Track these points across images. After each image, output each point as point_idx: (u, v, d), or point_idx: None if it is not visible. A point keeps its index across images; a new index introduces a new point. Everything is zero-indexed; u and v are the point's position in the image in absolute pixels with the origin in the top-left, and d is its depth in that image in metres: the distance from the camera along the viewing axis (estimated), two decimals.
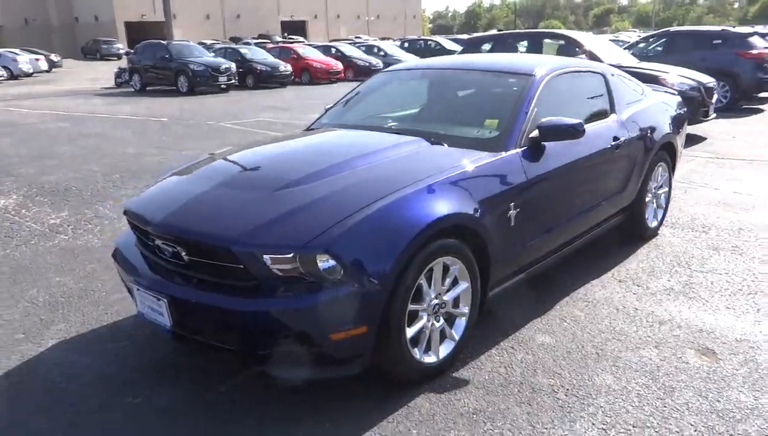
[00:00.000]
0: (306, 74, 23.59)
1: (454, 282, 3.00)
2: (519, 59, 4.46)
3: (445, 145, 3.41)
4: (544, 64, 3.95)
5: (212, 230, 2.69)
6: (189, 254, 2.73)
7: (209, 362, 3.17)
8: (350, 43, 30.97)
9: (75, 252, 4.93)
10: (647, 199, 4.74)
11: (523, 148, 3.41)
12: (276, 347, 2.60)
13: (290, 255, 2.53)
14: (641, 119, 4.54)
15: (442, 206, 2.84)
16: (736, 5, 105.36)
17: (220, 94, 19.72)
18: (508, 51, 11.25)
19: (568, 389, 2.88)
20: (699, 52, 12.85)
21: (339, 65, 24.29)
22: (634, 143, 4.37)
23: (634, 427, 2.59)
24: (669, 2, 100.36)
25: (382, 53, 27.95)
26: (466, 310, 3.09)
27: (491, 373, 3.04)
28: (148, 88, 21.18)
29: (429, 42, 32.17)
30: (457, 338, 3.06)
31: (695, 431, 2.56)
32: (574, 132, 3.42)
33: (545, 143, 3.50)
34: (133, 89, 21.49)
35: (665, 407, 2.73)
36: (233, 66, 20.53)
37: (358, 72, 25.27)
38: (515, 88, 3.72)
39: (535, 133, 3.47)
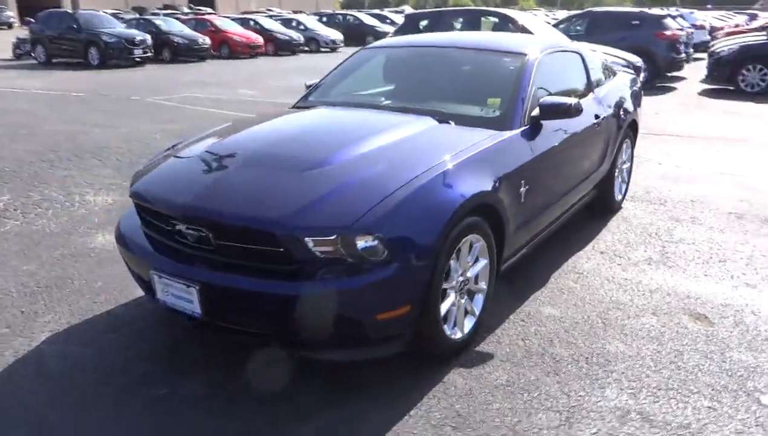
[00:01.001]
0: (225, 48, 22.77)
1: (475, 260, 3.05)
2: (507, 38, 4.54)
3: (452, 123, 3.43)
4: (534, 44, 4.04)
5: (250, 213, 2.59)
6: (219, 238, 2.61)
7: (227, 349, 3.07)
8: (267, 16, 30.11)
9: (33, 238, 4.59)
10: (615, 173, 4.97)
11: (526, 127, 3.48)
12: (320, 331, 2.56)
13: (333, 237, 2.49)
14: (613, 97, 4.75)
15: (472, 184, 2.88)
16: None
17: (135, 68, 18.70)
18: (445, 29, 11.37)
19: (587, 358, 3.02)
20: (619, 32, 13.50)
21: (260, 39, 23.61)
22: (610, 120, 4.57)
23: (659, 390, 2.76)
24: None
25: (302, 27, 27.39)
26: (484, 286, 3.15)
27: (511, 346, 3.13)
28: (54, 61, 19.75)
29: (348, 16, 31.86)
30: (477, 313, 3.12)
31: (713, 390, 2.75)
32: (573, 111, 3.53)
33: (543, 121, 3.60)
34: (36, 61, 19.99)
35: (679, 369, 2.92)
36: (149, 38, 19.51)
37: (279, 46, 24.72)
38: (512, 68, 3.79)
39: (536, 111, 3.55)
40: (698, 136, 8.51)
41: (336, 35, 27.40)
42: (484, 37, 4.56)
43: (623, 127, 4.82)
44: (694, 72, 15.41)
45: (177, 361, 3.01)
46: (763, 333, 3.24)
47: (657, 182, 6.07)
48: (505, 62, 3.88)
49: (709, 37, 22.54)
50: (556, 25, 14.41)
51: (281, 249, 2.52)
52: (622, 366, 2.95)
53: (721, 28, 25.44)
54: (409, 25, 11.26)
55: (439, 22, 11.10)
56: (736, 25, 28.01)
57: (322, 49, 27.10)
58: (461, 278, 2.95)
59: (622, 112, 4.83)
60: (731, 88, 12.80)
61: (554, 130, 3.69)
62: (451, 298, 2.90)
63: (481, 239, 2.99)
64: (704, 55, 15.31)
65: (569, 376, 2.87)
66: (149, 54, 19.43)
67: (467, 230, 2.85)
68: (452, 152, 3.00)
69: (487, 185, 2.98)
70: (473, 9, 12.04)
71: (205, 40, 21.50)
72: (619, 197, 5.19)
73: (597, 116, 4.31)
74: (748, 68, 12.62)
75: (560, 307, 3.54)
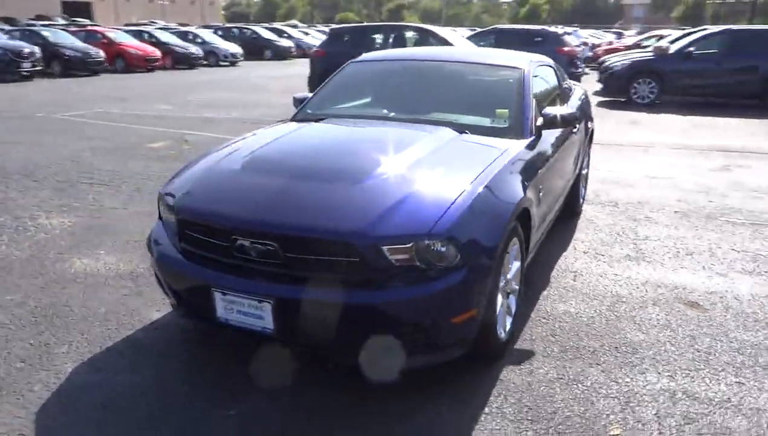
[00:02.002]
0: (120, 61, 21.70)
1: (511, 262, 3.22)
2: (497, 53, 4.77)
3: (468, 133, 3.58)
4: (522, 57, 4.30)
5: (325, 224, 2.59)
6: (288, 251, 2.59)
7: (272, 362, 3.02)
8: (159, 28, 29.03)
9: (2, 266, 4.23)
10: (580, 178, 5.35)
11: (534, 136, 3.71)
12: (397, 338, 2.60)
13: (410, 245, 2.55)
14: (580, 107, 5.11)
15: (516, 190, 3.05)
16: (504, 6, 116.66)
17: (25, 83, 17.42)
18: (367, 42, 11.58)
19: (617, 347, 3.26)
20: (524, 47, 14.32)
21: (157, 52, 22.70)
22: (580, 129, 4.92)
23: (690, 370, 3.04)
24: (450, 0, 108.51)
25: (199, 40, 26.65)
26: (517, 286, 3.33)
27: (545, 342, 3.31)
28: None
29: (245, 30, 31.40)
30: (513, 312, 3.29)
31: (734, 367, 3.08)
32: (574, 121, 3.80)
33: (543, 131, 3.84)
34: None
35: (698, 351, 3.23)
36: (38, 51, 18.21)
37: (177, 60, 23.90)
38: (511, 80, 4.01)
39: (540, 121, 3.79)
40: (613, 143, 9.22)
41: (235, 49, 26.91)
42: (473, 51, 4.76)
43: (588, 135, 5.20)
44: (587, 85, 16.62)
45: (227, 379, 2.92)
46: (752, 315, 3.64)
47: (601, 186, 6.56)
48: (503, 75, 4.10)
49: (591, 54, 24.43)
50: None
51: (356, 259, 2.55)
52: (650, 353, 3.21)
53: (599, 45, 27.60)
54: (334, 40, 11.37)
55: (362, 37, 11.29)
56: (610, 43, 30.47)
57: (222, 63, 26.52)
58: (504, 280, 3.10)
59: (587, 121, 5.21)
60: (623, 99, 13.97)
61: (549, 139, 3.95)
62: (500, 299, 3.04)
63: (517, 241, 3.16)
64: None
65: (609, 365, 3.09)
66: (39, 67, 18.14)
67: (512, 233, 3.01)
68: (488, 161, 3.15)
69: (523, 191, 3.16)
70: (396, 24, 12.35)
71: (99, 53, 20.39)
72: (581, 201, 5.57)
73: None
74: (639, 82, 13.83)
75: (571, 304, 3.78)
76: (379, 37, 11.61)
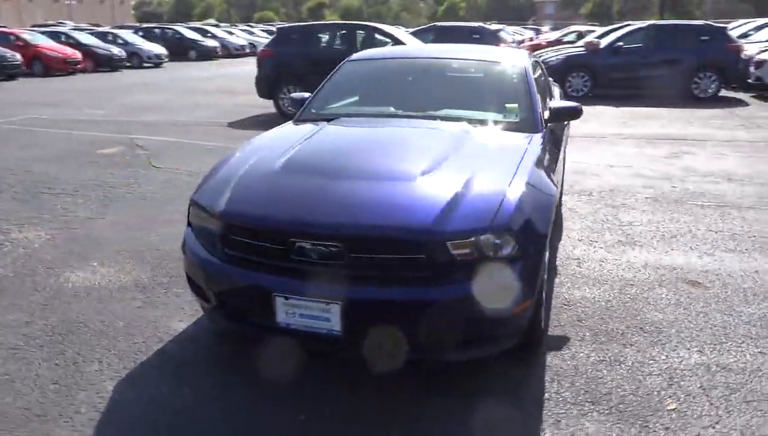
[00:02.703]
0: (38, 64, 20.49)
1: None
2: (493, 49, 4.87)
3: (485, 128, 3.66)
4: (517, 53, 4.43)
5: (391, 223, 2.60)
6: (354, 251, 2.58)
7: (319, 363, 2.99)
8: (72, 28, 27.63)
9: None
10: None
11: (545, 129, 3.83)
12: (469, 331, 2.64)
13: (472, 239, 2.60)
14: (561, 101, 5.30)
15: (551, 183, 3.14)
16: (422, 4, 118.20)
17: None
18: (317, 41, 11.49)
19: (642, 327, 3.42)
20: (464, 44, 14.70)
21: (77, 54, 21.59)
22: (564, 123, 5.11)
23: (715, 344, 3.24)
24: None
25: (120, 41, 25.55)
26: (545, 276, 3.43)
27: (574, 327, 3.44)
28: None
29: (167, 30, 30.41)
30: (543, 301, 3.39)
31: (752, 338, 3.30)
32: (578, 113, 3.95)
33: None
34: None
35: (715, 326, 3.44)
36: None
37: (99, 62, 22.84)
38: (514, 76, 4.12)
39: (546, 114, 3.92)
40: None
41: (160, 50, 25.99)
42: (469, 48, 4.83)
43: (566, 128, 5.40)
44: None
45: (282, 383, 2.86)
46: (749, 289, 3.91)
47: (570, 177, 6.81)
48: (504, 70, 4.20)
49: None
50: None
51: (422, 256, 2.57)
52: (673, 331, 3.39)
53: (523, 41, 28.51)
54: (282, 40, 11.22)
55: (313, 36, 11.23)
56: (531, 39, 31.52)
57: (145, 65, 25.57)
58: None
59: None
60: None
61: (556, 132, 4.09)
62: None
63: None
64: None
65: (641, 345, 3.24)
66: None
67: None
68: (520, 155, 3.23)
69: (554, 184, 3.26)
70: (348, 23, 12.30)
71: (15, 56, 19.19)
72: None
73: None
74: (573, 76, 14.41)
75: (585, 290, 3.93)
76: (330, 36, 11.57)
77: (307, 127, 3.76)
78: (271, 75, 10.98)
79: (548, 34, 32.70)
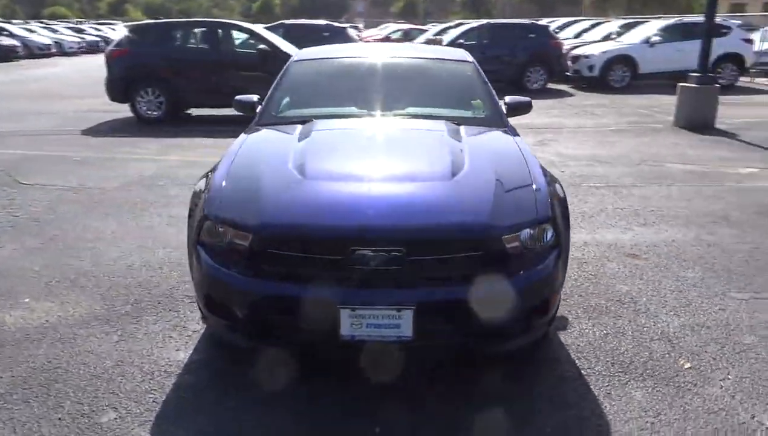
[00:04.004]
0: None
1: None
2: (441, 48, 4.94)
3: (462, 125, 3.77)
4: (462, 51, 4.59)
5: (453, 223, 2.62)
6: (413, 254, 2.55)
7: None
8: None
9: None
10: None
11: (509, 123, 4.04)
12: (523, 321, 2.75)
13: (521, 232, 2.71)
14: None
15: (550, 175, 3.34)
16: (231, 1, 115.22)
17: None
18: (176, 40, 10.77)
19: (619, 300, 3.77)
20: (312, 42, 14.64)
21: None
22: None
23: (684, 307, 3.67)
24: None
25: None
26: None
27: (562, 307, 3.69)
28: None
29: None
30: None
31: (706, 298, 3.79)
32: (530, 107, 4.22)
33: None
34: None
35: (673, 291, 3.90)
36: None
37: None
38: (469, 73, 4.28)
39: (504, 108, 4.13)
40: None
41: None
42: (417, 48, 4.88)
43: None
44: None
45: (344, 394, 2.74)
46: (677, 257, 4.46)
47: None
48: (459, 68, 4.34)
49: None
50: None
51: (480, 252, 2.62)
52: (644, 300, 3.79)
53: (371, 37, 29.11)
54: (137, 38, 10.38)
55: (171, 34, 10.55)
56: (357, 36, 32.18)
57: None
58: None
59: None
60: None
61: None
62: None
63: None
64: None
65: (629, 315, 3.58)
66: None
67: None
68: (516, 149, 3.41)
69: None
70: (205, 21, 11.61)
71: None
72: None
73: None
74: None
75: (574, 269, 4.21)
76: (189, 35, 10.92)
77: (288, 131, 3.58)
78: (125, 77, 10.10)
79: (370, 32, 33.70)
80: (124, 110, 10.61)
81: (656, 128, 10.02)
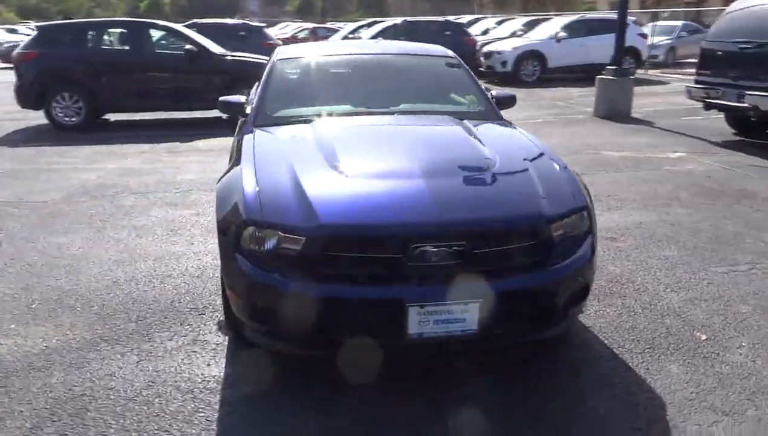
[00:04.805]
0: None
1: None
2: (418, 45, 4.93)
3: (466, 120, 3.83)
4: (443, 48, 4.65)
5: (510, 214, 2.69)
6: (475, 247, 2.57)
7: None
8: None
9: None
10: None
11: None
12: (570, 306, 2.84)
13: (566, 220, 2.80)
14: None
15: None
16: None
17: None
18: (92, 41, 10.14)
19: (618, 281, 3.97)
20: (229, 42, 14.26)
21: None
22: None
23: (676, 284, 3.93)
24: None
25: None
26: None
27: None
28: None
29: None
30: None
31: (691, 273, 4.07)
32: (514, 101, 4.35)
33: None
34: None
35: (660, 269, 4.15)
36: None
37: None
38: (455, 68, 4.34)
39: (494, 102, 4.23)
40: None
41: None
42: (399, 43, 4.87)
43: None
44: None
45: (413, 402, 2.72)
46: (650, 237, 4.75)
47: None
48: (445, 63, 4.38)
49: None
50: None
51: (534, 241, 2.69)
52: (639, 279, 4.01)
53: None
54: (48, 40, 9.66)
55: (87, 35, 9.93)
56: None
57: None
58: None
59: None
60: None
61: None
62: None
63: None
64: None
65: (632, 295, 3.78)
66: None
67: None
68: (528, 140, 3.53)
69: None
70: (123, 20, 10.92)
71: None
72: None
73: None
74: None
75: None
76: (107, 35, 10.31)
77: (297, 131, 3.49)
78: (37, 81, 9.38)
79: (272, 31, 33.05)
80: (34, 118, 9.88)
81: (579, 119, 10.57)
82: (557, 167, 3.11)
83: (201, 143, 8.65)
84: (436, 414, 2.64)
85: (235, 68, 10.09)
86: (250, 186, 2.85)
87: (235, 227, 2.73)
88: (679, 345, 3.18)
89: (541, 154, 3.24)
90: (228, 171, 3.25)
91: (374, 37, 15.55)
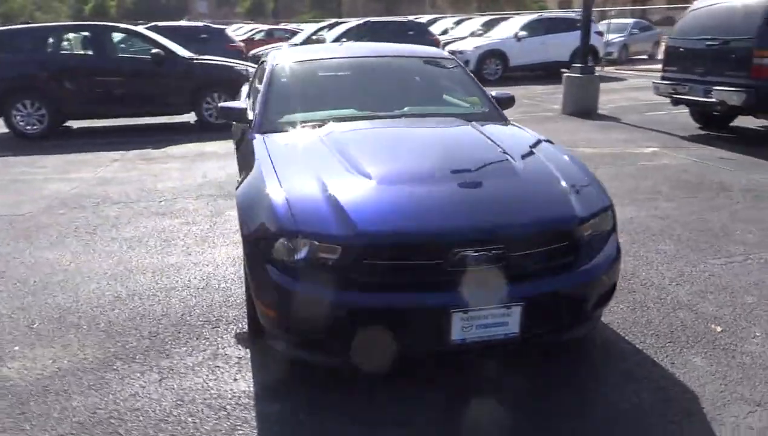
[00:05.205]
0: None
1: None
2: (416, 47, 4.91)
3: (472, 121, 3.84)
4: (439, 50, 4.66)
5: (550, 216, 2.73)
6: (514, 250, 2.58)
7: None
8: None
9: None
10: None
11: None
12: (602, 302, 2.88)
13: (594, 220, 2.84)
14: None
15: None
16: (56, 2, 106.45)
17: None
18: (47, 45, 9.78)
19: (622, 276, 4.03)
20: (188, 44, 13.95)
21: None
22: None
23: (679, 277, 4.02)
24: None
25: None
26: None
27: None
28: None
29: None
30: None
31: (691, 266, 4.17)
32: (513, 101, 4.38)
33: None
34: None
35: (662, 263, 4.25)
36: None
37: None
38: (455, 69, 4.35)
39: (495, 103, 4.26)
40: None
41: None
42: (396, 46, 4.82)
43: None
44: None
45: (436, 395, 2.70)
46: (645, 231, 4.86)
47: None
48: (446, 65, 4.38)
49: None
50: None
51: (566, 242, 2.71)
52: (644, 274, 4.09)
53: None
54: (4, 43, 9.28)
55: (43, 39, 9.57)
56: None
57: None
58: None
59: None
60: None
61: None
62: None
63: None
64: None
65: (640, 290, 3.85)
66: None
67: None
68: (540, 142, 3.55)
69: None
70: (83, 24, 10.50)
71: None
72: None
73: None
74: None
75: None
76: (71, 39, 9.98)
77: (309, 136, 3.44)
78: None
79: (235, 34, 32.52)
80: None
81: (549, 116, 10.75)
82: (576, 167, 3.14)
83: (174, 150, 8.45)
84: (485, 423, 2.62)
85: (204, 72, 9.90)
86: (277, 195, 2.78)
87: (266, 238, 2.66)
88: (697, 338, 3.25)
89: (557, 154, 3.27)
90: (244, 180, 3.17)
91: (338, 38, 15.45)
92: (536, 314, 2.61)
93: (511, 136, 3.60)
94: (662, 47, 23.26)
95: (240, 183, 3.16)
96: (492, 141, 3.33)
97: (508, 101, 4.30)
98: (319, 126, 3.59)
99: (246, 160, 3.46)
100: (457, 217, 2.59)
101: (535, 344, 2.91)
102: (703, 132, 9.04)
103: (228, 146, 8.46)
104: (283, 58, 4.35)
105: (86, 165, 7.59)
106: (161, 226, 5.17)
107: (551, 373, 2.98)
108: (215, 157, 7.84)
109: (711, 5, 8.39)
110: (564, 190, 2.85)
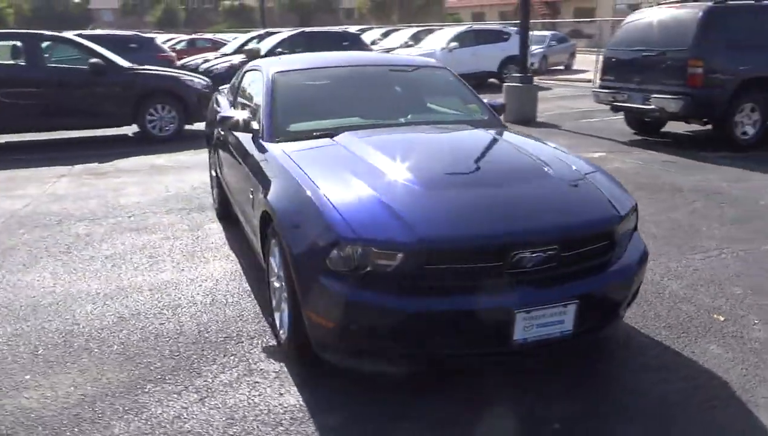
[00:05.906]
0: None
1: None
2: (410, 56, 4.92)
3: (477, 128, 3.93)
4: (431, 60, 4.73)
5: (598, 216, 2.85)
6: (566, 250, 2.68)
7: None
8: None
9: None
10: None
11: None
12: (634, 296, 3.04)
13: (627, 219, 2.99)
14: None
15: None
16: None
17: None
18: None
19: None
20: (120, 53, 13.41)
21: None
22: None
23: (678, 269, 4.27)
24: None
25: None
26: None
27: None
28: None
29: None
30: None
31: (668, 260, 4.44)
32: (504, 109, 4.53)
33: None
34: None
35: (659, 257, 4.48)
36: None
37: None
38: (450, 78, 4.43)
39: None
40: None
41: None
42: (389, 56, 4.85)
43: None
44: None
45: (496, 399, 2.74)
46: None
47: None
48: (442, 74, 4.46)
49: None
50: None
51: (607, 241, 2.84)
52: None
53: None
54: None
55: None
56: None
57: None
58: None
59: None
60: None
61: None
62: None
63: None
64: None
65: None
66: None
67: None
68: (549, 145, 3.70)
69: None
70: (22, 32, 9.71)
71: None
72: None
73: None
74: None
75: None
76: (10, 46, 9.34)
77: (327, 145, 3.44)
78: None
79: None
80: None
81: None
82: (594, 168, 3.28)
83: (123, 163, 8.10)
84: (538, 422, 2.69)
85: (147, 83, 9.54)
86: (324, 203, 2.74)
87: (320, 248, 2.61)
88: (706, 328, 3.46)
89: (573, 157, 3.40)
90: (275, 191, 3.08)
91: (275, 47, 15.25)
92: (586, 312, 2.71)
93: (525, 141, 3.72)
94: (576, 58, 24.61)
95: (269, 195, 3.07)
96: (513, 145, 3.42)
97: (501, 109, 4.43)
98: (330, 135, 3.56)
99: (258, 169, 3.40)
100: (515, 220, 2.66)
101: (585, 341, 3.01)
102: (639, 137, 9.60)
103: (177, 159, 8.23)
104: (280, 67, 4.27)
105: (30, 181, 7.13)
106: (140, 242, 4.94)
107: (580, 367, 3.08)
108: (172, 171, 7.56)
109: (645, 18, 8.95)
110: (599, 191, 2.98)
